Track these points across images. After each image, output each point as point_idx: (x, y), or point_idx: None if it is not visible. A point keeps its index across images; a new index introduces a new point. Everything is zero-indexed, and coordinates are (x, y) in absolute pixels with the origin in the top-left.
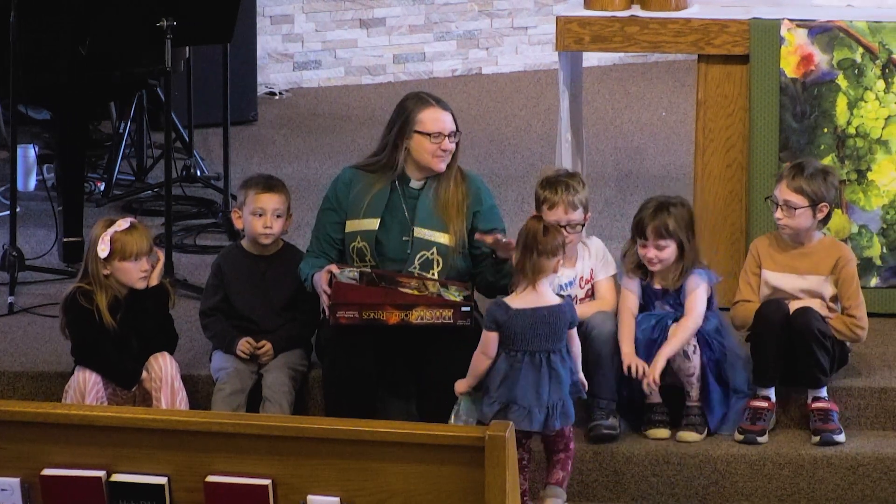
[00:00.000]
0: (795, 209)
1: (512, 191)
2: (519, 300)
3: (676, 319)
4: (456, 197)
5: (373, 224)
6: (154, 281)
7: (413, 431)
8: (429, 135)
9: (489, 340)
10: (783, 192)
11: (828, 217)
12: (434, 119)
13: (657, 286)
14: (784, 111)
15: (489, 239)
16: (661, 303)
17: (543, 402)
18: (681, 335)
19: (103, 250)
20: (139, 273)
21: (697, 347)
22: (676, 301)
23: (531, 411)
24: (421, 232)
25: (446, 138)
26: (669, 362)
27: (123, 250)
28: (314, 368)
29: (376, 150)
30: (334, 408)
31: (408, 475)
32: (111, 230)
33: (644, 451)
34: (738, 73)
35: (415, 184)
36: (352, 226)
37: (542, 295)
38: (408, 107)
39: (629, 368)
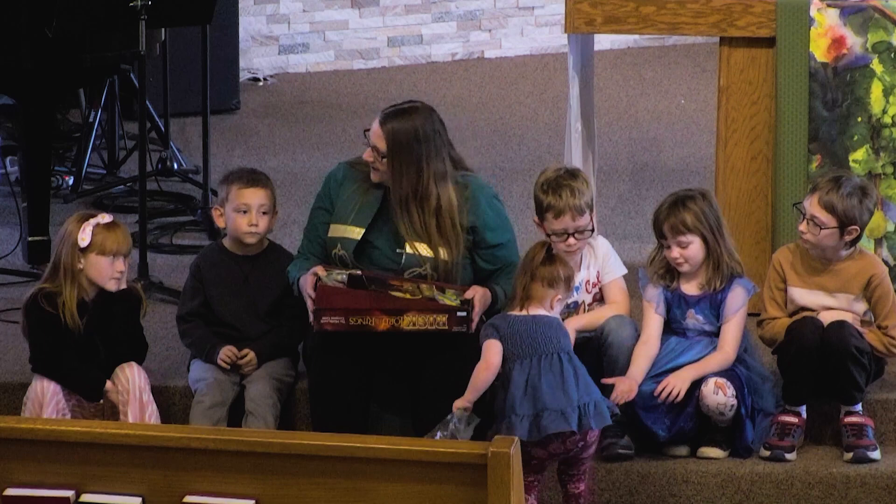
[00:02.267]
0: (821, 227)
1: (517, 185)
2: (515, 312)
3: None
4: (448, 208)
5: (356, 233)
6: (122, 285)
7: (409, 448)
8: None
9: (490, 348)
10: (812, 206)
11: (857, 239)
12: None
13: (689, 292)
14: (814, 99)
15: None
16: (695, 312)
17: (574, 402)
18: (705, 368)
19: (83, 240)
20: (113, 273)
21: (735, 406)
22: (711, 312)
23: (564, 412)
24: (413, 246)
25: (369, 148)
26: (698, 400)
27: (104, 244)
28: (301, 379)
29: None
30: (322, 422)
31: (403, 495)
32: (94, 220)
33: (661, 469)
34: (763, 57)
35: None
36: (335, 230)
37: (536, 312)
38: None
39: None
